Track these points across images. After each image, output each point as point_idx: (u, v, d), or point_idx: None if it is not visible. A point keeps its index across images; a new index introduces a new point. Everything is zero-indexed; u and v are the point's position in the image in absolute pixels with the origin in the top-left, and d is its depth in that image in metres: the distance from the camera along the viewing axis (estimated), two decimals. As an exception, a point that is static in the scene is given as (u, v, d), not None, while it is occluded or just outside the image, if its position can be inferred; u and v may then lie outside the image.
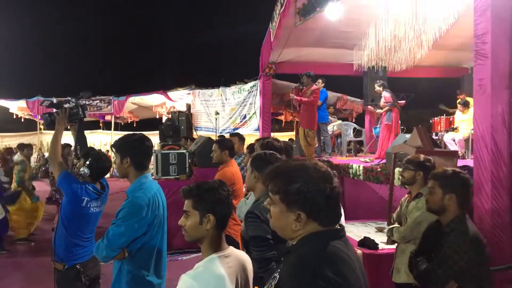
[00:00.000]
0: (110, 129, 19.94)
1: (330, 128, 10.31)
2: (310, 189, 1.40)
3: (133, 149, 2.70)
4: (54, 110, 3.31)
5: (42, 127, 20.65)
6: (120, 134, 16.27)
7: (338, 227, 1.48)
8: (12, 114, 18.79)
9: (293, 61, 10.69)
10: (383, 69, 9.72)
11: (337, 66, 10.78)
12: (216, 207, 1.93)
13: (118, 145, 2.74)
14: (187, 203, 1.97)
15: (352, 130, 10.55)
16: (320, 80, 9.46)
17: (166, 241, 2.81)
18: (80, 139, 3.43)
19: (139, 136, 2.78)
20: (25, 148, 8.59)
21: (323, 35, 9.05)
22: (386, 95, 8.09)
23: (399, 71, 9.10)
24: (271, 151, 2.87)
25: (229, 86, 14.00)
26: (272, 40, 9.56)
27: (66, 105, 3.23)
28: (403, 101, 8.66)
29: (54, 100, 3.30)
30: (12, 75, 29.91)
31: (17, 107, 18.37)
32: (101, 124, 21.49)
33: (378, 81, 8.66)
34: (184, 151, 7.66)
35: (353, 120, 13.83)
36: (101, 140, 21.90)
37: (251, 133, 12.75)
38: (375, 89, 8.61)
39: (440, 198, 2.75)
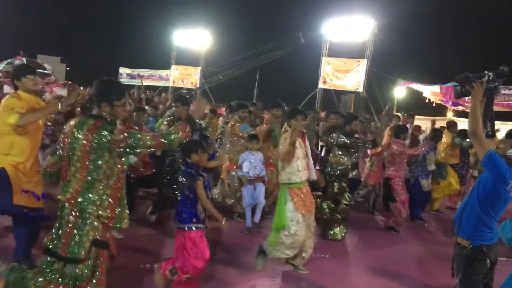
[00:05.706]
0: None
1: None
2: None
3: None
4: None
5: (451, 113, 20.66)
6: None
7: None
8: (425, 98, 19.70)
9: None
10: None
11: None
12: None
13: None
14: None
15: None
16: None
17: None
18: (489, 115, 3.22)
19: None
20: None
21: None
22: None
23: None
24: None
25: None
26: None
27: (484, 79, 3.14)
28: None
29: (469, 74, 3.21)
30: (431, 62, 31.29)
31: (430, 91, 19.12)
32: (515, 116, 19.53)
33: None
34: None
35: None
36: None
37: None
38: None
39: None
